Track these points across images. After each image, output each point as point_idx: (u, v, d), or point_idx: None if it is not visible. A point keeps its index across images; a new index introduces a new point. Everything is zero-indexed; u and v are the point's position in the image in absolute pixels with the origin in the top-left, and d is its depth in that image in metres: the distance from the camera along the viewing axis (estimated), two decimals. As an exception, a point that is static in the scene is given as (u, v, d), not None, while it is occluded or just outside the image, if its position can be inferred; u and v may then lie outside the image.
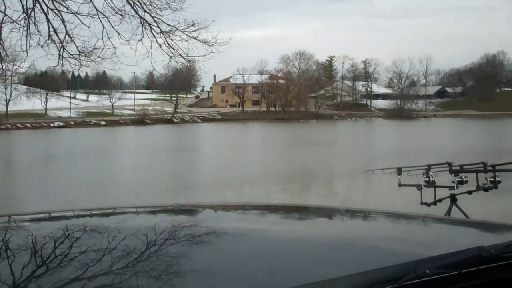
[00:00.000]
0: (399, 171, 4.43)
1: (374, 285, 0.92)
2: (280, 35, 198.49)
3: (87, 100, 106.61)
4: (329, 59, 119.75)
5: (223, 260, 1.17)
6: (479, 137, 43.18)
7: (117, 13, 8.46)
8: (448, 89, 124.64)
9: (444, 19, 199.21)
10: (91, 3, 8.32)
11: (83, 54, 8.74)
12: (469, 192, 4.18)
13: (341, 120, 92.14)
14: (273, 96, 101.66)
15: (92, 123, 75.17)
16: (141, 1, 8.53)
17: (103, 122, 75.56)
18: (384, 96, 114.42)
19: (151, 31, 8.90)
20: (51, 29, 8.35)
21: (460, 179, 4.12)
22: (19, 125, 67.20)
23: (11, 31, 8.09)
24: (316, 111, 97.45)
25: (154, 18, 8.81)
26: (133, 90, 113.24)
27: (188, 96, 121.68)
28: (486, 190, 4.13)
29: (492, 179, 4.11)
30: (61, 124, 71.81)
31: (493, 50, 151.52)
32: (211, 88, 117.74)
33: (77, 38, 8.56)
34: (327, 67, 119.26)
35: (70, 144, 40.43)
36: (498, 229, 1.54)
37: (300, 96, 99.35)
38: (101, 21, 8.48)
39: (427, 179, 4.19)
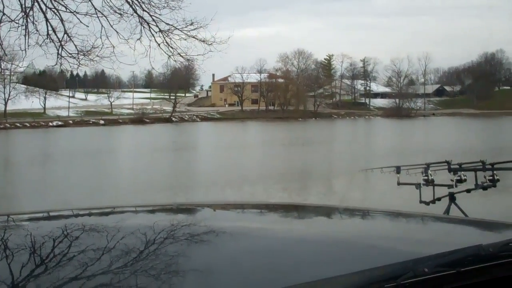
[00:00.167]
0: (398, 169, 4.43)
1: (372, 284, 0.92)
2: (279, 34, 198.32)
3: (85, 99, 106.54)
4: (328, 58, 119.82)
5: (221, 259, 1.17)
6: (478, 135, 43.20)
7: (115, 12, 8.47)
8: (447, 88, 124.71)
9: (443, 17, 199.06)
10: (89, 2, 8.32)
11: (82, 53, 8.74)
12: (468, 191, 4.18)
13: (340, 119, 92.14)
14: (272, 95, 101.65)
15: (91, 122, 75.11)
16: (139, 0, 8.53)
17: (101, 121, 75.50)
18: (383, 95, 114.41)
19: (150, 30, 8.90)
20: (49, 28, 8.35)
21: (459, 178, 4.13)
22: (18, 124, 67.13)
23: (9, 30, 8.09)
24: (315, 110, 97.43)
25: (153, 17, 8.81)
26: (131, 89, 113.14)
27: (187, 95, 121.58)
28: (484, 188, 4.13)
29: (491, 177, 4.11)
30: (59, 123, 71.72)
31: (492, 48, 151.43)
32: (210, 87, 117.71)
33: (76, 37, 8.58)
34: (326, 66, 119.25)
35: (69, 143, 40.41)
36: (496, 227, 1.54)
37: (299, 95, 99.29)
38: (99, 20, 8.48)
39: (426, 177, 4.20)
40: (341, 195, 14.97)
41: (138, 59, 9.59)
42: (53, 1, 8.10)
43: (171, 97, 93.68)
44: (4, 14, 7.93)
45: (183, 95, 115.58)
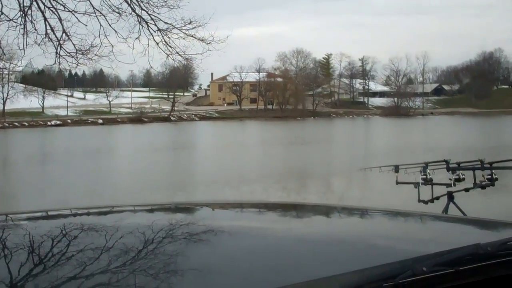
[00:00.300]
0: (396, 168, 4.43)
1: (371, 283, 0.92)
2: (278, 33, 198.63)
3: (84, 99, 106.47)
4: (326, 57, 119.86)
5: (220, 258, 1.17)
6: (476, 134, 43.24)
7: (114, 11, 8.47)
8: (445, 87, 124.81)
9: (441, 16, 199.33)
10: (88, 1, 8.33)
11: (80, 52, 8.74)
12: (466, 190, 4.18)
13: (339, 118, 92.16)
14: (270, 94, 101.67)
15: (89, 121, 75.04)
16: (138, -1, 8.52)
17: (100, 121, 75.44)
18: (381, 94, 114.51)
19: (148, 29, 8.91)
20: (48, 27, 8.35)
21: (457, 177, 4.13)
22: (16, 124, 67.03)
23: (8, 30, 8.09)
24: (314, 109, 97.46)
25: (151, 16, 8.82)
26: (130, 88, 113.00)
27: (186, 94, 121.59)
28: (483, 187, 4.14)
29: (489, 176, 4.11)
30: (58, 122, 71.65)
31: (490, 47, 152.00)
32: (209, 86, 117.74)
33: (74, 36, 8.58)
34: (325, 65, 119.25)
35: (67, 143, 40.37)
36: (495, 226, 1.54)
37: (298, 94, 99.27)
38: (98, 19, 8.49)
39: (425, 176, 4.20)
40: (339, 194, 14.98)
41: (137, 58, 9.61)
42: (51, 0, 8.10)
43: (170, 96, 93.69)
44: (2, 13, 7.94)
45: (182, 94, 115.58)
